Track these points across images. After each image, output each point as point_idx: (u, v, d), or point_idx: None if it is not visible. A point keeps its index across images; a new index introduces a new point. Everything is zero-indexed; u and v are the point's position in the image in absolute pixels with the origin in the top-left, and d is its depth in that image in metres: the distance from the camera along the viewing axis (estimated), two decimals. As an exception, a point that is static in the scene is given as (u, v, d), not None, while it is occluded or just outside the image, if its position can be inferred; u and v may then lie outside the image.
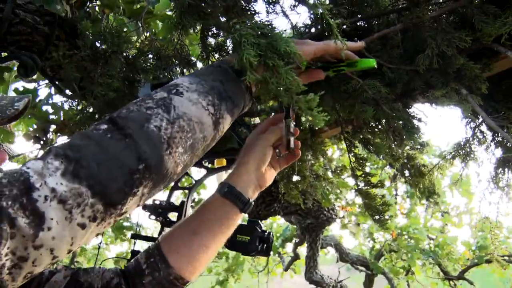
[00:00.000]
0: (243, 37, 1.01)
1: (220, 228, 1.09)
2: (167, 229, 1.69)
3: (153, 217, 1.72)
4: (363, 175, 2.41)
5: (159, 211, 1.73)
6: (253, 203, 1.18)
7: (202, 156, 0.94)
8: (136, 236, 1.72)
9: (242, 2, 1.34)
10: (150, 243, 1.61)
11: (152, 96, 0.84)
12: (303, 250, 6.98)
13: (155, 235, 2.11)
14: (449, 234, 6.78)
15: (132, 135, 0.73)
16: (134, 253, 1.62)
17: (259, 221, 1.51)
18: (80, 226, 0.66)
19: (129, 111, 0.78)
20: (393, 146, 2.15)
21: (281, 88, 1.05)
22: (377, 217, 2.21)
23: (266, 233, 1.47)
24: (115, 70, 1.82)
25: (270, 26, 1.12)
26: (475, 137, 1.80)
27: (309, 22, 1.86)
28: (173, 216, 1.79)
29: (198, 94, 0.88)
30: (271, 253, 8.14)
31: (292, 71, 1.04)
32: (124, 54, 1.99)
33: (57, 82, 2.21)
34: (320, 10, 1.15)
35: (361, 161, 2.42)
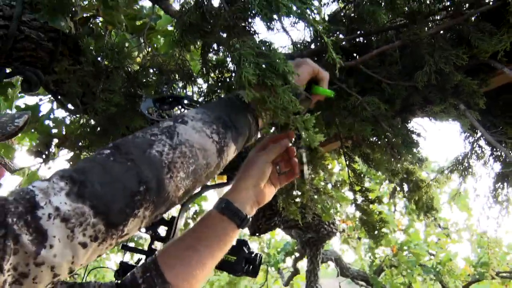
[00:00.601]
0: (243, 56, 1.03)
1: (218, 244, 1.09)
2: (157, 243, 1.69)
3: (143, 230, 1.73)
4: (362, 190, 2.41)
5: (150, 224, 1.73)
6: (250, 219, 1.18)
7: (206, 182, 0.94)
8: (126, 248, 1.72)
9: (242, 22, 1.36)
10: (141, 256, 1.61)
11: (159, 124, 0.88)
12: (303, 264, 6.94)
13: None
14: (449, 250, 6.74)
15: (135, 159, 0.75)
16: (123, 264, 1.62)
17: (247, 241, 1.51)
18: (81, 245, 0.67)
19: (135, 137, 0.81)
20: (392, 161, 2.16)
21: (278, 107, 1.06)
22: (372, 233, 2.21)
23: (253, 254, 1.45)
24: (116, 85, 1.84)
25: (269, 45, 1.14)
26: (473, 151, 1.82)
27: (309, 40, 1.89)
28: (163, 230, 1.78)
29: (202, 123, 0.91)
30: (272, 268, 8.08)
31: (290, 91, 1.06)
32: (126, 69, 2.01)
33: (59, 97, 2.23)
34: (320, 27, 1.17)
35: (359, 176, 2.43)
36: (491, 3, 1.37)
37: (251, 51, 1.06)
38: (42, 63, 1.95)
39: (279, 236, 7.95)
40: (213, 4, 1.39)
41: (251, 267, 1.43)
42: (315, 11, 1.21)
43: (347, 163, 2.44)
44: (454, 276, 6.23)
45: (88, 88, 1.89)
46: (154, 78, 2.13)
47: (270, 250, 7.66)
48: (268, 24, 1.24)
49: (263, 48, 1.11)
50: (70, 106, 2.27)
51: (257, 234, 3.82)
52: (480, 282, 6.23)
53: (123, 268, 1.58)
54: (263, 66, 1.07)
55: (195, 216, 4.54)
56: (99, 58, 1.94)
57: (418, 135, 1.84)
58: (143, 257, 1.63)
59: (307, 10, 1.16)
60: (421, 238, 6.42)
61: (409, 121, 1.97)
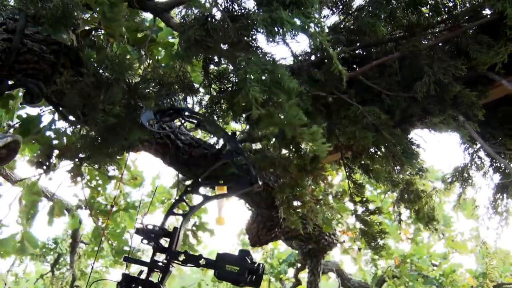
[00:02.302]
0: (248, 74, 1.06)
1: None
2: (159, 255, 1.70)
3: (145, 241, 1.74)
4: (362, 201, 2.42)
5: (152, 236, 1.74)
6: None
7: None
8: (129, 259, 1.73)
9: (246, 37, 1.39)
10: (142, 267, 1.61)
11: None
12: (305, 276, 6.92)
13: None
14: (452, 261, 6.71)
15: None
16: (125, 277, 1.63)
17: (250, 251, 1.52)
18: None
19: None
20: (392, 171, 2.17)
21: (285, 122, 1.09)
22: (372, 244, 2.22)
23: (255, 265, 1.47)
24: (117, 97, 1.86)
25: (272, 61, 1.16)
26: (473, 162, 1.83)
27: (309, 50, 1.92)
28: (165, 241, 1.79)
29: None
30: (273, 279, 8.05)
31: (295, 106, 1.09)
32: (127, 81, 2.03)
33: (60, 108, 2.24)
34: (325, 39, 1.20)
35: (360, 186, 2.44)
36: (488, 16, 1.39)
37: (256, 68, 1.09)
38: (44, 75, 1.97)
39: (283, 247, 7.93)
40: (217, 21, 1.42)
41: (254, 277, 1.45)
42: (318, 25, 1.24)
43: (347, 174, 2.45)
44: (457, 287, 6.21)
45: (88, 99, 1.91)
46: (154, 89, 2.15)
47: (273, 260, 7.64)
48: (271, 39, 1.27)
49: (267, 63, 1.14)
50: (71, 117, 2.29)
51: (258, 245, 3.82)
52: (485, 294, 6.20)
53: (126, 279, 1.59)
54: (268, 82, 1.10)
55: (194, 228, 4.52)
56: (100, 70, 1.96)
57: (418, 146, 1.86)
58: (145, 269, 1.64)
59: (310, 24, 1.19)
60: (424, 252, 6.40)
61: (409, 133, 1.99)
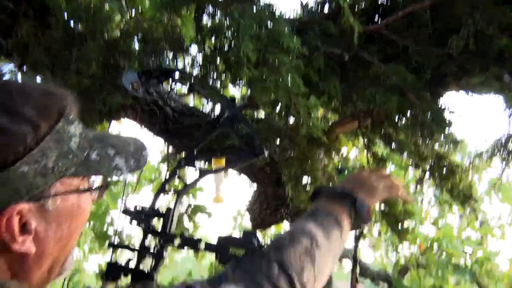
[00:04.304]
0: (242, 28, 1.02)
1: None
2: (150, 238, 1.69)
3: (134, 223, 1.72)
4: (383, 178, 2.39)
5: (142, 217, 1.72)
6: None
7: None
8: (114, 246, 1.71)
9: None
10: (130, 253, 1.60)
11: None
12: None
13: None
14: (489, 248, 6.71)
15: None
16: (111, 266, 1.61)
17: (255, 232, 1.51)
18: None
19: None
20: (420, 142, 2.14)
21: (280, 88, 1.06)
22: (395, 226, 2.20)
23: (263, 247, 1.46)
24: (93, 55, 1.82)
25: (272, 12, 1.12)
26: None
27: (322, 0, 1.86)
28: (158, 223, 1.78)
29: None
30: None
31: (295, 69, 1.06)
32: (105, 36, 1.98)
33: (24, 67, 2.20)
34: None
35: (380, 160, 2.41)
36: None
37: (251, 21, 1.05)
38: (1, 27, 1.92)
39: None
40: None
41: None
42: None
43: (366, 146, 2.42)
44: (494, 278, 6.20)
45: (58, 56, 1.87)
46: (138, 47, 2.11)
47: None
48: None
49: (266, 15, 1.09)
50: (38, 78, 2.25)
51: (261, 228, 3.82)
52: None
53: (112, 270, 1.57)
54: (265, 38, 1.06)
55: (189, 208, 4.53)
56: (71, 22, 1.91)
57: (451, 112, 1.82)
58: (134, 255, 1.63)
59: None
60: (454, 234, 6.38)
61: (440, 96, 1.95)
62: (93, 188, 0.91)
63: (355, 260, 1.49)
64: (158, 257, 1.61)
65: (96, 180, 0.92)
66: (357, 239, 1.44)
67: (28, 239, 0.78)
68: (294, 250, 1.07)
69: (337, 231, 1.22)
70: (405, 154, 2.23)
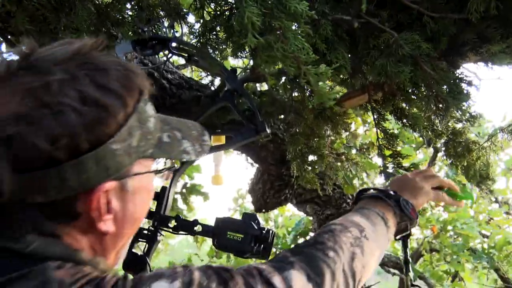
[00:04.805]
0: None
1: None
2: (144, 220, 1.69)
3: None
4: (394, 155, 2.39)
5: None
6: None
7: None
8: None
9: None
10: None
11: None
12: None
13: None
14: (507, 230, 6.69)
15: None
16: (130, 255, 1.62)
17: (257, 215, 1.50)
18: None
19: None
20: (434, 117, 2.12)
21: (288, 56, 1.05)
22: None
23: (264, 231, 1.45)
24: (83, 22, 1.80)
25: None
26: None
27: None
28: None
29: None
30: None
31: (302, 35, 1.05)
32: (95, 1, 1.96)
33: (8, 36, 2.19)
34: None
35: (391, 137, 2.40)
36: None
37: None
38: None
39: (289, 213, 7.99)
40: None
41: (262, 246, 1.43)
42: None
43: (376, 121, 2.41)
44: (514, 264, 6.19)
45: (44, 24, 1.85)
46: (132, 13, 2.09)
47: (279, 230, 7.73)
48: None
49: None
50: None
51: (264, 210, 3.83)
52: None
53: (131, 258, 1.57)
54: (270, 2, 1.05)
55: (184, 190, 4.54)
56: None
57: (469, 83, 1.81)
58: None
59: None
60: (470, 215, 6.36)
61: (458, 67, 1.93)
62: (165, 169, 0.99)
63: (406, 263, 1.49)
64: (152, 240, 1.61)
65: (166, 162, 0.97)
66: (404, 240, 1.45)
67: (110, 219, 0.85)
68: (346, 238, 1.11)
69: (383, 227, 1.26)
70: (419, 129, 2.22)
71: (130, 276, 0.82)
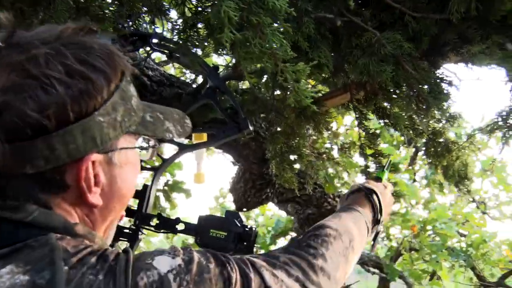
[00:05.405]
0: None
1: None
2: (125, 219, 1.67)
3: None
4: (375, 154, 2.40)
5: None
6: None
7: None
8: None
9: None
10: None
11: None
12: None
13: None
14: (484, 229, 6.74)
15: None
16: None
17: (239, 213, 1.50)
18: None
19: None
20: (415, 117, 2.13)
21: (265, 53, 1.04)
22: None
23: (247, 229, 1.45)
24: (61, 17, 1.77)
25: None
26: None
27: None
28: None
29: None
30: (262, 251, 8.17)
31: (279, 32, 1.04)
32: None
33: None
34: None
35: (373, 136, 2.41)
36: None
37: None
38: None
39: (270, 212, 8.00)
40: None
41: (244, 244, 1.44)
42: None
43: (358, 120, 2.41)
44: (490, 262, 6.25)
45: (21, 18, 1.82)
46: (112, 9, 2.07)
47: (260, 229, 7.73)
48: None
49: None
50: None
51: (245, 209, 3.82)
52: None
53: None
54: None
55: (165, 188, 4.51)
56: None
57: (450, 84, 1.81)
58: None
59: None
60: (448, 215, 6.40)
61: (439, 67, 1.94)
62: (150, 147, 1.04)
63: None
64: (133, 239, 1.60)
65: (150, 141, 1.05)
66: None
67: (98, 191, 0.88)
68: (338, 246, 1.17)
69: (365, 238, 1.36)
70: (400, 128, 2.22)
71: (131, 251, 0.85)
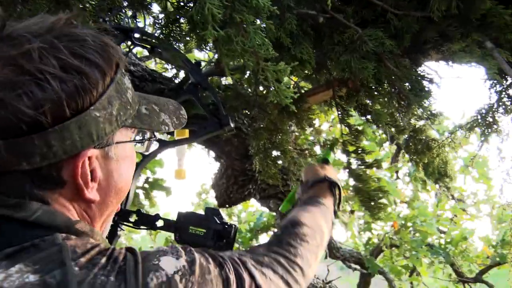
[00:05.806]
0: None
1: None
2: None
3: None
4: (357, 151, 2.40)
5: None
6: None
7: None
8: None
9: None
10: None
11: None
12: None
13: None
14: (463, 227, 6.80)
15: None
16: None
17: (219, 210, 1.50)
18: None
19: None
20: (397, 114, 2.14)
21: (247, 51, 1.04)
22: (368, 204, 2.22)
23: (226, 226, 1.45)
24: (40, 10, 1.75)
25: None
26: (500, 103, 1.80)
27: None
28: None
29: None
30: (243, 249, 8.16)
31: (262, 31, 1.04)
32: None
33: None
34: None
35: (355, 133, 2.41)
36: None
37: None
38: None
39: (252, 208, 7.99)
40: None
41: (224, 241, 1.43)
42: None
43: (340, 117, 2.41)
44: (468, 259, 6.31)
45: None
46: (92, 2, 2.04)
47: (242, 225, 7.73)
48: None
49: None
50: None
51: (227, 205, 3.82)
52: (501, 266, 6.29)
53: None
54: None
55: (146, 185, 4.46)
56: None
57: (431, 81, 1.82)
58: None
59: None
60: (429, 212, 6.44)
61: (420, 64, 1.94)
62: (146, 139, 1.03)
63: None
64: (112, 235, 1.58)
65: (146, 133, 1.04)
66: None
67: (95, 187, 0.88)
68: (312, 245, 1.23)
69: (331, 230, 1.42)
70: (382, 125, 2.23)
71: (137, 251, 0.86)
